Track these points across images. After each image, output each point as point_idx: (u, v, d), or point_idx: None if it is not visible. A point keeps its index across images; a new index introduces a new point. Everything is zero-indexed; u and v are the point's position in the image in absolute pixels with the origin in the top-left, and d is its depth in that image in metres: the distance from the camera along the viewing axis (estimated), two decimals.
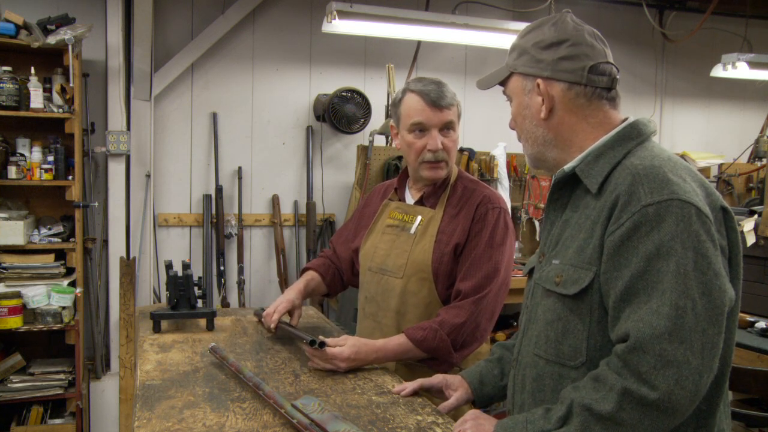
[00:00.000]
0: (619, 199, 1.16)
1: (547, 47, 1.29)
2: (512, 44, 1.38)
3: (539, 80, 1.29)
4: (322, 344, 1.69)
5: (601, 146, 1.26)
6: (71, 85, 3.47)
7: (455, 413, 1.88)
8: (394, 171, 4.11)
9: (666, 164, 1.17)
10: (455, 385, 1.59)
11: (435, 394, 1.63)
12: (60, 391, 3.50)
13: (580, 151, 1.29)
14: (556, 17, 1.32)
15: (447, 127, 1.90)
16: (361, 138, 4.35)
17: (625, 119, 1.30)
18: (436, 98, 1.87)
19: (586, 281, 1.19)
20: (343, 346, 1.76)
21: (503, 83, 1.39)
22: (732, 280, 1.17)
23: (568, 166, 1.29)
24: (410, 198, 2.05)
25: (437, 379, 1.62)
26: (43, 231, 3.54)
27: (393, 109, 1.99)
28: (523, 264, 3.36)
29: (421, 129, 1.90)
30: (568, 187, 1.31)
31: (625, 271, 1.12)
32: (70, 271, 3.59)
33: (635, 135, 1.26)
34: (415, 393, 1.61)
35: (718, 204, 1.17)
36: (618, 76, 1.30)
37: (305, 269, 2.25)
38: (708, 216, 1.12)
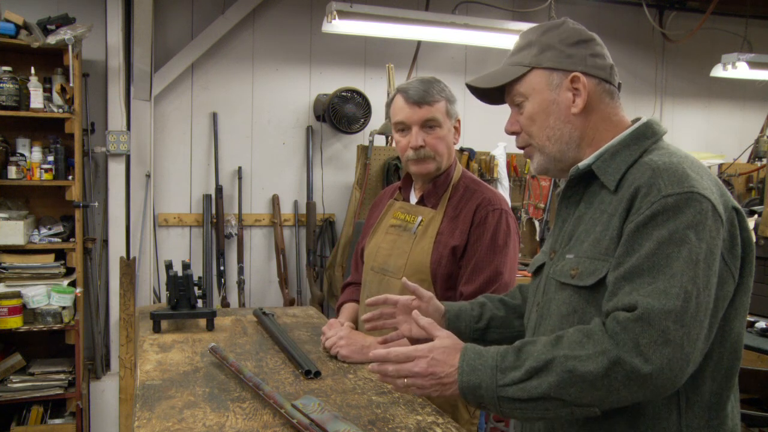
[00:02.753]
0: (639, 191, 1.16)
1: (576, 44, 1.29)
2: (525, 42, 1.34)
3: (576, 74, 1.28)
4: (318, 373, 1.70)
5: (617, 144, 1.27)
6: (71, 85, 3.47)
7: (453, 406, 1.88)
8: (394, 171, 4.11)
9: (684, 161, 1.19)
10: (431, 305, 1.55)
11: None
12: (60, 391, 3.50)
13: (596, 150, 1.29)
14: (565, 20, 1.34)
15: (429, 124, 1.89)
16: (361, 138, 4.35)
17: (637, 119, 1.32)
18: (415, 95, 1.87)
19: (603, 272, 1.19)
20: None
21: (509, 83, 1.34)
22: (743, 278, 1.19)
23: (583, 164, 1.29)
24: (414, 198, 2.05)
25: (412, 299, 1.57)
26: (43, 231, 3.54)
27: (387, 110, 2.01)
28: (526, 264, 3.34)
29: (403, 128, 1.91)
30: (582, 183, 1.32)
31: (634, 255, 1.13)
32: (70, 271, 3.59)
33: (650, 134, 1.27)
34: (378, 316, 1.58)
35: (730, 204, 1.18)
36: (619, 81, 1.34)
37: (341, 305, 2.20)
38: (721, 216, 1.14)
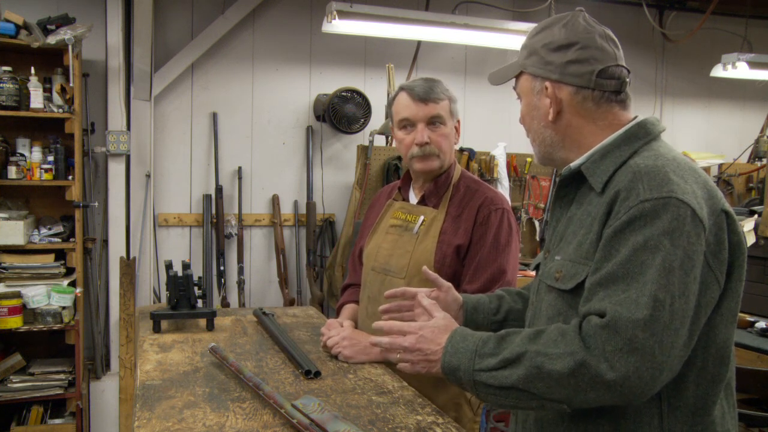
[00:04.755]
0: (619, 194, 1.16)
1: (556, 49, 1.28)
2: (524, 42, 1.36)
3: (547, 83, 1.28)
4: (318, 373, 1.70)
5: (608, 145, 1.25)
6: (71, 85, 3.47)
7: (456, 405, 1.87)
8: (394, 171, 4.11)
9: (669, 164, 1.17)
10: (450, 296, 1.56)
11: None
12: (60, 391, 3.50)
13: (588, 151, 1.28)
14: (568, 16, 1.30)
15: (434, 121, 1.90)
16: (361, 138, 4.35)
17: (634, 118, 1.30)
18: (421, 92, 1.88)
19: (582, 276, 1.19)
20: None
21: (515, 79, 1.39)
22: (732, 283, 1.17)
23: (574, 164, 1.28)
24: (413, 198, 2.05)
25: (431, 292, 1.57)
26: (43, 231, 3.54)
27: (388, 109, 2.01)
28: (526, 265, 3.34)
29: (408, 125, 1.92)
30: (574, 184, 1.31)
31: (611, 261, 1.13)
32: (70, 271, 3.59)
33: (642, 134, 1.25)
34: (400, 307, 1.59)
35: (719, 207, 1.16)
36: (629, 79, 1.29)
37: (341, 306, 2.21)
38: (702, 221, 1.12)
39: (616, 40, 1.31)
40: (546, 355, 1.11)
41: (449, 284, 1.58)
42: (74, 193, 3.54)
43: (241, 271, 4.23)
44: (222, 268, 4.18)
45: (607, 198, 1.18)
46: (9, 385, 3.42)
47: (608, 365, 1.06)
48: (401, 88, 1.94)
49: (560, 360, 1.10)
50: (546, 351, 1.12)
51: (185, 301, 2.15)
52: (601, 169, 1.23)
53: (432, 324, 1.30)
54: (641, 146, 1.24)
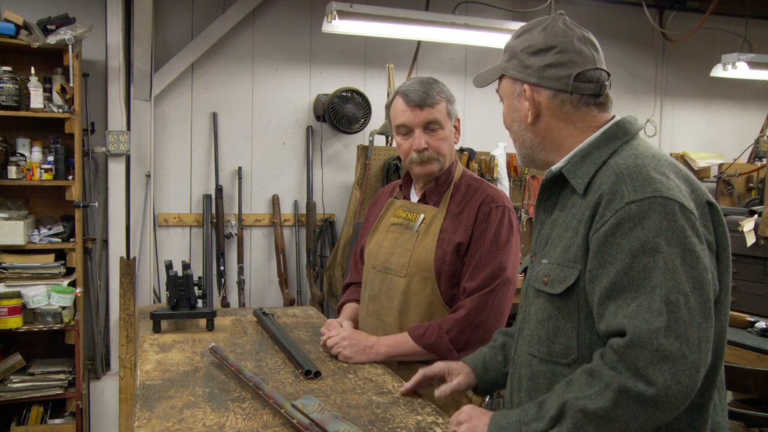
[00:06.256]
0: (603, 197, 1.17)
1: (535, 53, 1.29)
2: (505, 44, 1.38)
3: (526, 86, 1.30)
4: (318, 374, 1.70)
5: (588, 146, 1.27)
6: (71, 85, 3.47)
7: (457, 403, 1.88)
8: (394, 171, 4.11)
9: (649, 162, 1.18)
10: (457, 371, 1.58)
11: (437, 384, 1.60)
12: (60, 391, 3.50)
13: (568, 153, 1.29)
14: (547, 20, 1.32)
15: (431, 127, 1.90)
16: (361, 138, 4.35)
17: (612, 118, 1.31)
18: (416, 98, 1.87)
19: (572, 280, 1.20)
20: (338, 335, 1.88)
21: (498, 82, 1.41)
22: (721, 274, 1.18)
23: (555, 167, 1.30)
24: (414, 196, 2.05)
25: (439, 366, 1.60)
26: (43, 231, 3.54)
27: (386, 111, 2.01)
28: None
29: (405, 131, 1.92)
30: (556, 187, 1.32)
31: (610, 269, 1.13)
32: (70, 271, 3.59)
33: (621, 134, 1.26)
34: (419, 385, 1.61)
35: (703, 199, 1.18)
36: (607, 82, 1.30)
37: (342, 305, 2.22)
38: (692, 211, 1.13)
39: (596, 43, 1.31)
40: (585, 397, 1.10)
41: (452, 368, 1.59)
42: (74, 193, 3.54)
43: (241, 271, 4.23)
44: (222, 268, 4.18)
45: (591, 201, 1.19)
46: (9, 385, 3.42)
47: (645, 382, 1.06)
48: (397, 92, 1.93)
49: (600, 396, 1.09)
50: (583, 394, 1.11)
51: (185, 301, 2.15)
52: (582, 170, 1.25)
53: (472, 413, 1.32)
54: (620, 146, 1.25)
